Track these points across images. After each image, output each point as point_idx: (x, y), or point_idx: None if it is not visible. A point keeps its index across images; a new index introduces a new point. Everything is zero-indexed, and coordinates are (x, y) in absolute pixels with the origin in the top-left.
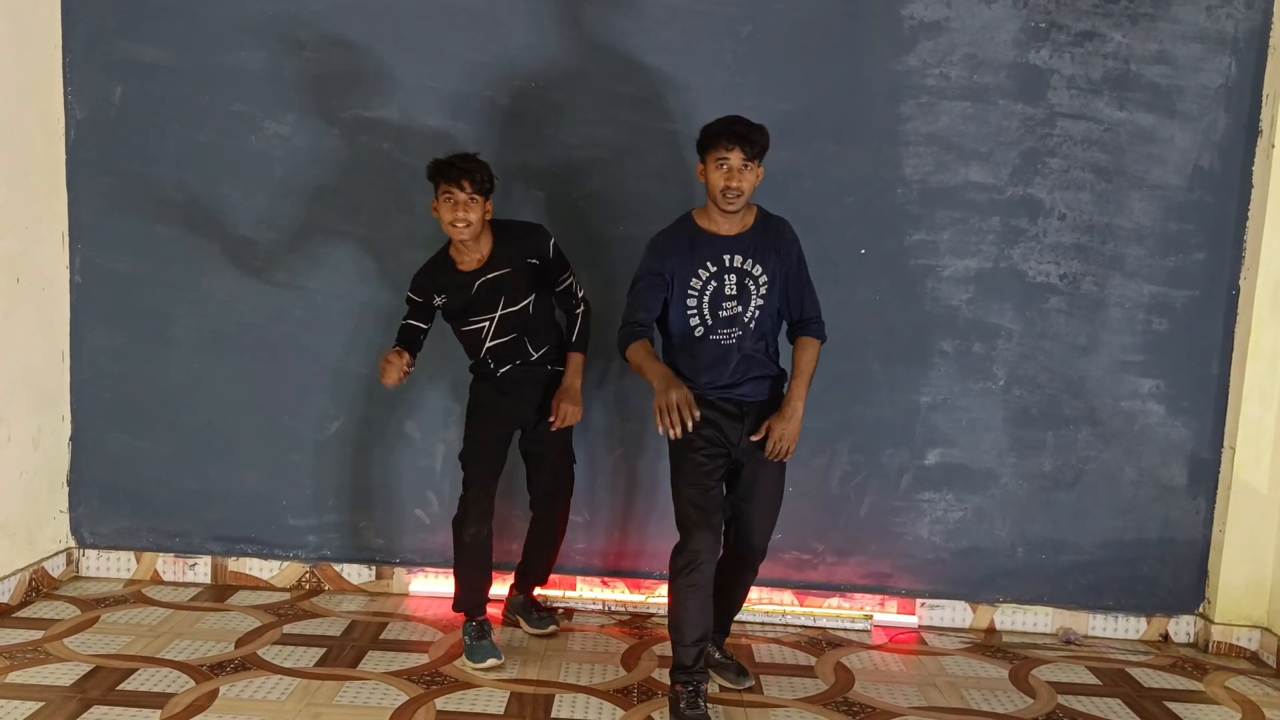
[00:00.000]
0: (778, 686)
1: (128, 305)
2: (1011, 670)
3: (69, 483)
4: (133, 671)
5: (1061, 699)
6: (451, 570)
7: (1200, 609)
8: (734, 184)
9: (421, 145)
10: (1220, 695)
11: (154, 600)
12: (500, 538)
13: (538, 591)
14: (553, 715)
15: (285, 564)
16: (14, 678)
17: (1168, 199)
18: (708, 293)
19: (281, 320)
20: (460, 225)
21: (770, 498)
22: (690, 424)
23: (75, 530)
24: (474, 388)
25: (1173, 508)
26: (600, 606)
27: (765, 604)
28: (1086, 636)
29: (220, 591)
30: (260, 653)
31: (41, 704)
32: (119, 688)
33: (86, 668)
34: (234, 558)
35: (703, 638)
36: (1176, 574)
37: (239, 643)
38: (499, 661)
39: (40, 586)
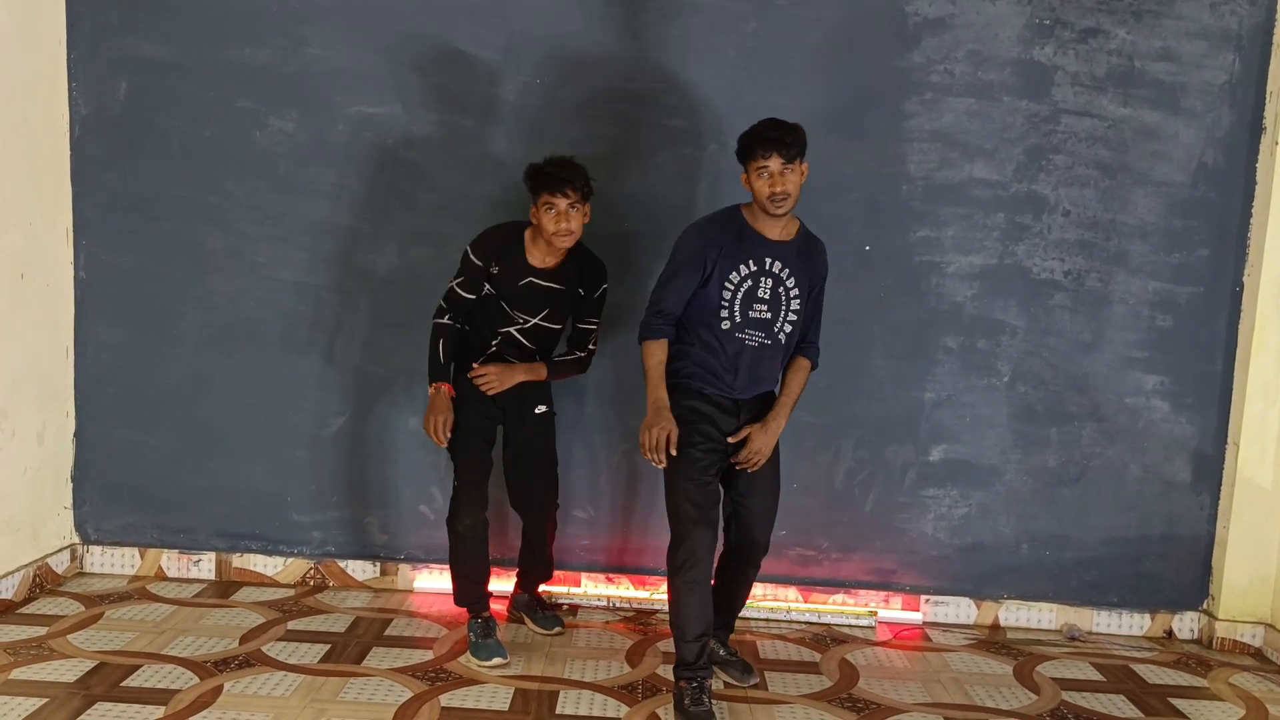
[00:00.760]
0: (782, 683)
1: (132, 301)
2: (1016, 667)
3: (73, 479)
4: (136, 668)
5: (1066, 695)
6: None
7: (1204, 605)
8: (779, 189)
9: (425, 141)
10: (1224, 692)
11: (158, 596)
12: (504, 534)
13: (543, 588)
14: (557, 711)
15: (289, 560)
16: (18, 674)
17: (1172, 196)
18: (743, 290)
19: (285, 316)
20: (564, 236)
21: (769, 491)
22: (670, 453)
23: (79, 526)
24: (458, 380)
25: (1177, 504)
26: (604, 603)
27: (769, 600)
28: (1090, 633)
29: (224, 588)
30: (264, 649)
31: (45, 700)
32: (123, 684)
33: (90, 664)
34: (238, 554)
35: (704, 633)
36: (1180, 570)
37: (243, 639)
38: (504, 661)
39: (44, 583)
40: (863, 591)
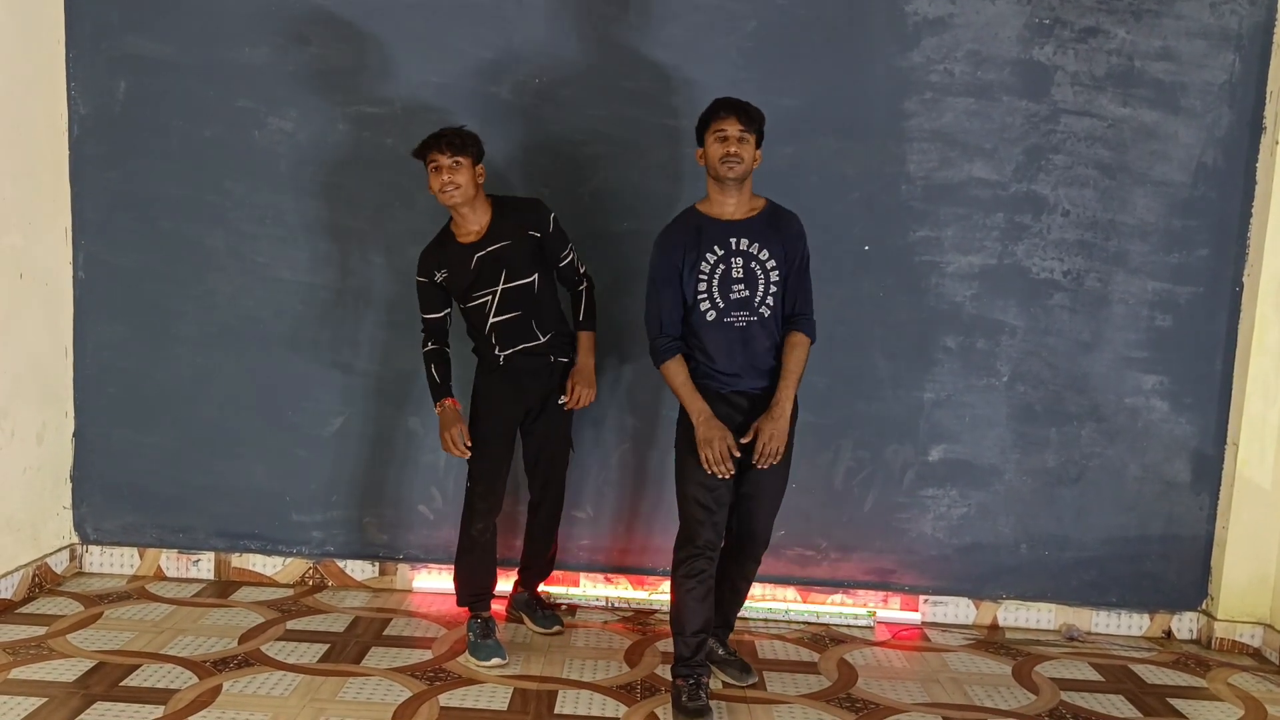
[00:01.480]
0: (780, 683)
1: (131, 300)
2: (1014, 667)
3: (72, 478)
4: (136, 668)
5: (1065, 695)
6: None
7: (1203, 605)
8: (732, 150)
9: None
10: (1223, 692)
11: (157, 596)
12: (502, 533)
13: (541, 588)
14: (556, 711)
15: (289, 560)
16: (17, 673)
17: (1171, 195)
18: (716, 276)
19: (285, 315)
20: (450, 189)
21: (775, 489)
22: (728, 468)
23: (79, 526)
24: (478, 381)
25: (1176, 504)
26: (603, 603)
27: (768, 600)
28: (1089, 633)
29: (223, 587)
30: (263, 649)
31: (45, 700)
32: (122, 684)
33: (89, 664)
34: (237, 554)
35: (703, 630)
36: (1180, 570)
37: (242, 639)
38: (503, 661)
39: (44, 582)
40: (861, 591)
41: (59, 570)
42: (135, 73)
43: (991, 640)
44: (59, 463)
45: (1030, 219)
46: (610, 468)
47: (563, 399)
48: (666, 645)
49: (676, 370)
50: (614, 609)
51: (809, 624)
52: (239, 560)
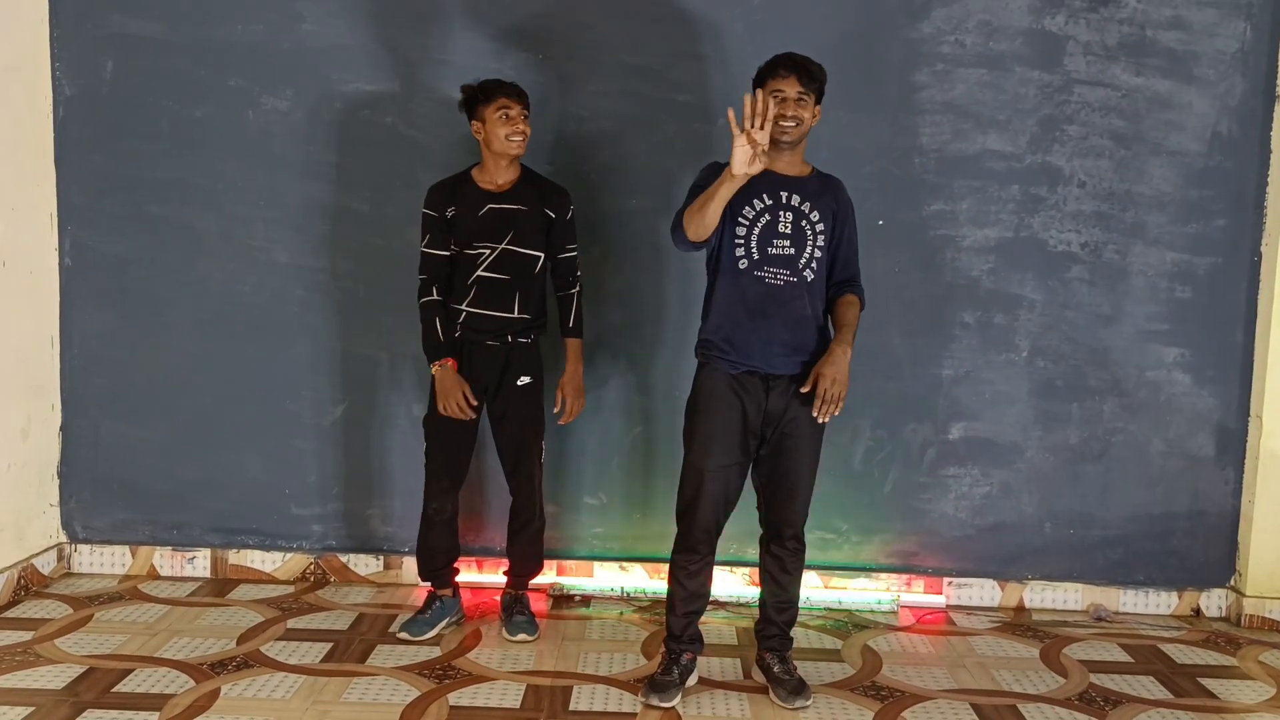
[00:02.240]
0: (803, 672)
1: (120, 288)
2: (1042, 649)
3: (60, 475)
4: (129, 672)
5: (1094, 678)
6: (467, 558)
7: (1232, 582)
8: (789, 113)
9: (426, 119)
10: (1254, 670)
11: (151, 596)
12: (492, 526)
13: (554, 578)
14: (571, 708)
15: (289, 555)
16: (3, 681)
17: (1187, 165)
18: (759, 225)
19: (282, 301)
20: (518, 139)
21: (804, 471)
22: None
23: (67, 525)
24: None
25: (1201, 479)
26: (618, 593)
27: None
28: (1117, 613)
29: (220, 586)
30: (263, 649)
31: (32, 709)
32: (114, 689)
33: (80, 669)
34: (235, 550)
35: (694, 611)
36: (1207, 547)
37: (241, 639)
38: (414, 638)
39: (30, 584)
40: (884, 575)
41: (46, 571)
42: (123, 51)
43: (1018, 622)
44: (45, 458)
45: (1046, 191)
46: (624, 452)
47: (523, 379)
48: None
49: (696, 200)
50: (629, 599)
51: (831, 610)
52: (236, 557)
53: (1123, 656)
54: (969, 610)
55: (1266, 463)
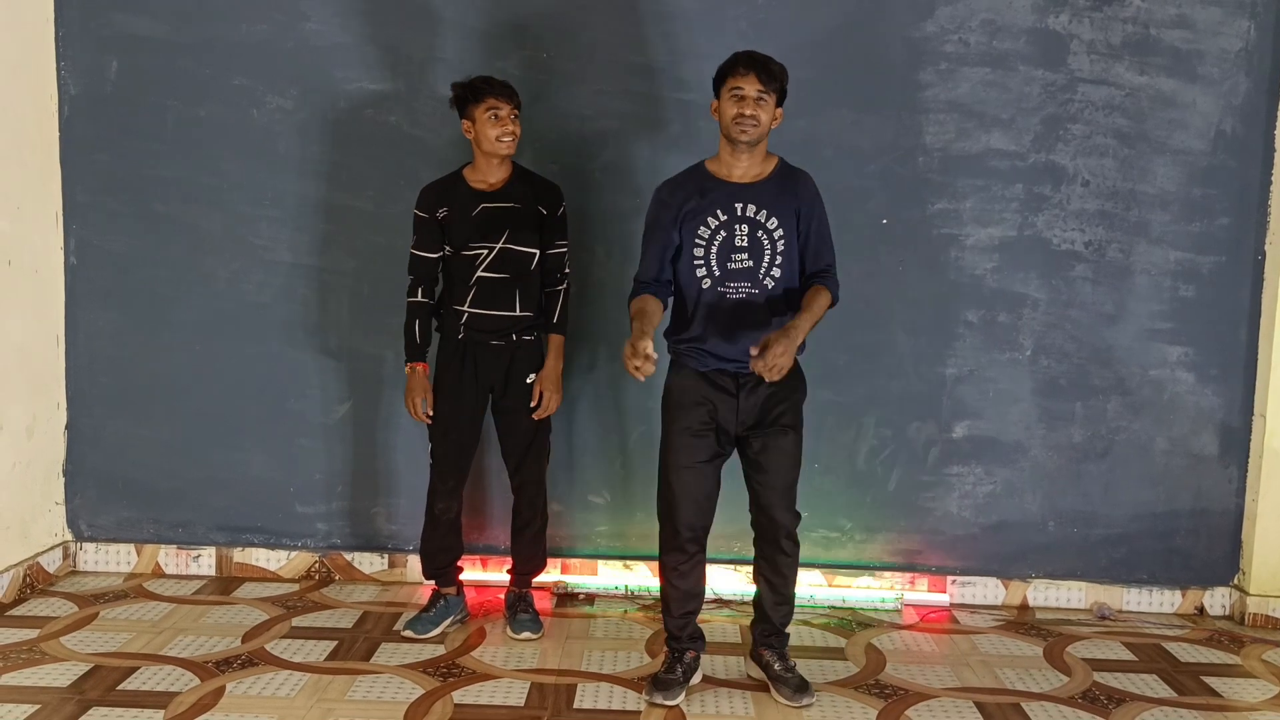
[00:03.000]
0: (807, 670)
1: (125, 287)
2: (1046, 648)
3: (65, 473)
4: (134, 670)
5: (1097, 676)
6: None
7: (1235, 580)
8: (748, 112)
9: (429, 118)
10: (1258, 669)
11: (155, 594)
12: (493, 525)
13: (558, 576)
14: (575, 706)
15: (293, 554)
16: (8, 679)
17: (1191, 164)
18: (716, 242)
19: (286, 300)
20: (508, 140)
21: (782, 467)
22: (640, 366)
23: (72, 523)
24: (440, 361)
25: (1205, 477)
26: (623, 591)
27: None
28: (1121, 611)
29: (225, 584)
30: (268, 647)
31: (38, 706)
32: (119, 687)
33: (85, 667)
34: (239, 548)
35: (690, 611)
36: (1210, 545)
37: (246, 637)
38: (418, 636)
39: (35, 583)
40: (888, 573)
41: (51, 569)
42: (127, 51)
43: (1022, 621)
44: (50, 457)
45: (1050, 189)
46: (627, 451)
47: (530, 377)
48: None
49: (635, 303)
50: (633, 597)
51: (835, 608)
52: (241, 555)
53: (1126, 655)
54: (973, 609)
55: (1270, 461)
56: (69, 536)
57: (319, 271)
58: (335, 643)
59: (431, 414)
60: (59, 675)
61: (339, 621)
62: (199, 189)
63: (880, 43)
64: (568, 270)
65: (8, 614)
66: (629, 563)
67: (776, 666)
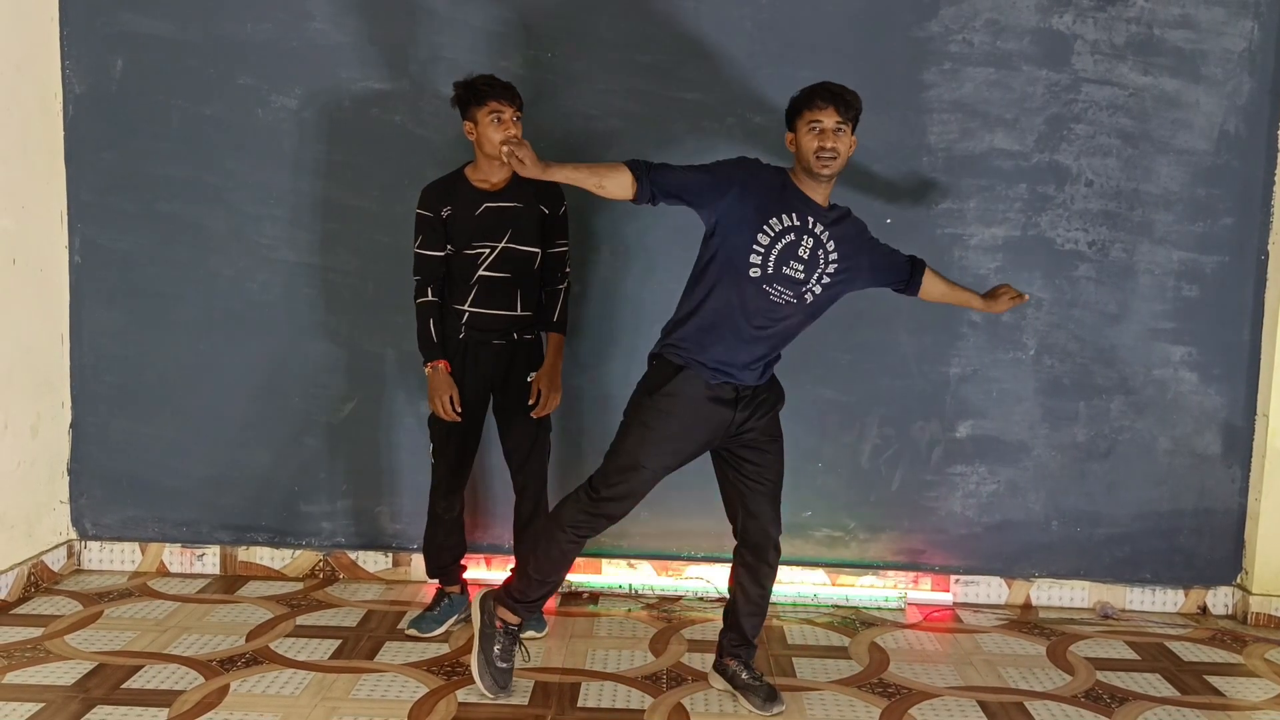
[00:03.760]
0: (810, 669)
1: (130, 285)
2: (1049, 647)
3: (69, 472)
4: (138, 669)
5: (1100, 675)
6: (475, 555)
7: (1238, 580)
8: (828, 145)
9: (434, 117)
10: (1260, 668)
11: (160, 593)
12: (496, 524)
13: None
14: (579, 704)
15: (298, 552)
16: (12, 678)
17: (1194, 164)
18: (782, 241)
19: (291, 299)
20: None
21: (778, 477)
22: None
23: (76, 521)
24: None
25: (1208, 477)
26: (626, 590)
27: (796, 584)
28: (1124, 610)
29: (230, 583)
30: (272, 646)
31: (42, 705)
32: (124, 686)
33: (89, 666)
34: (244, 547)
35: (558, 583)
36: (1213, 545)
37: (250, 636)
38: (422, 635)
39: (40, 581)
40: (891, 572)
41: (56, 568)
42: (132, 50)
43: (1025, 620)
44: (55, 455)
45: (1053, 189)
46: None
47: (531, 401)
48: (692, 633)
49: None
50: (637, 596)
51: (838, 607)
52: (245, 554)
53: (1129, 654)
54: (976, 608)
55: (1273, 461)
56: (73, 535)
57: (323, 270)
58: (339, 641)
59: (459, 410)
60: (63, 674)
61: (343, 620)
62: (204, 188)
63: (884, 43)
64: (568, 270)
65: (12, 612)
66: (633, 561)
67: (744, 676)
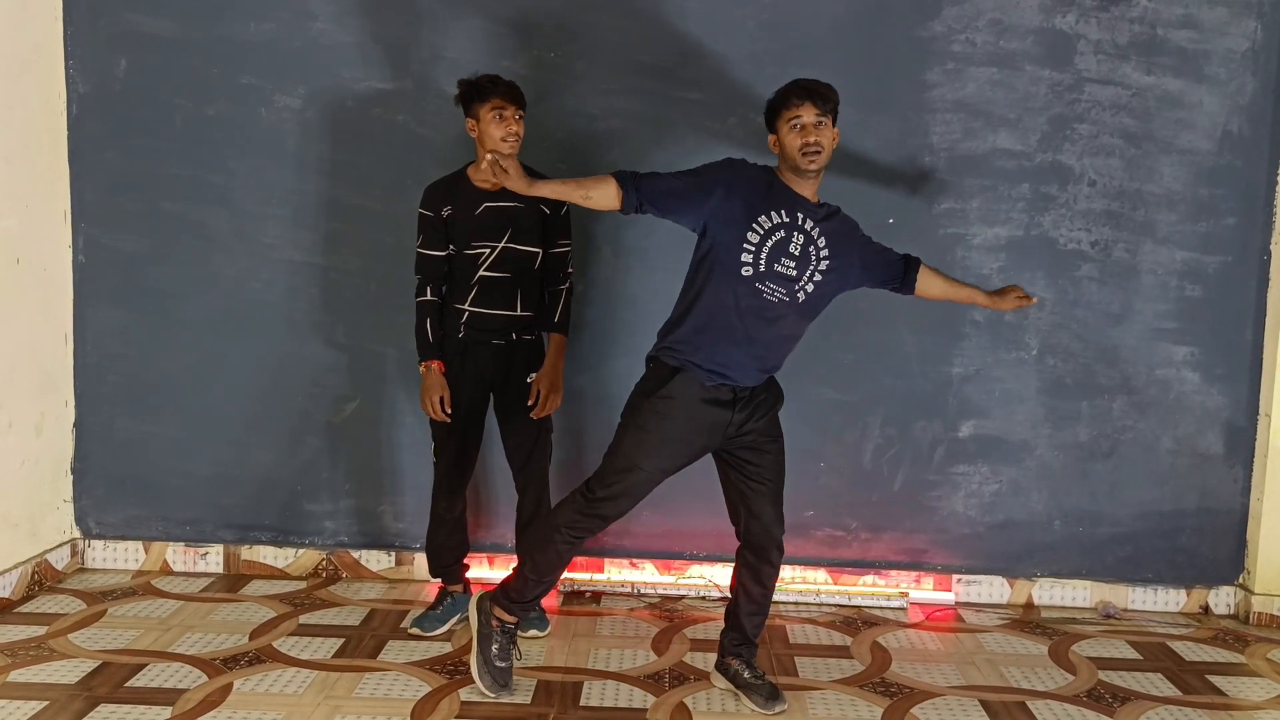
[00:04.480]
0: (813, 668)
1: (133, 285)
2: (1051, 646)
3: (73, 471)
4: (142, 667)
5: (1102, 675)
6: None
7: (1240, 579)
8: (811, 139)
9: (437, 117)
10: (1262, 668)
11: (163, 592)
12: (498, 524)
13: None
14: (582, 704)
15: (301, 551)
16: (16, 676)
17: (1197, 164)
18: (773, 239)
19: (294, 298)
20: (512, 140)
21: (779, 477)
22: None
23: (80, 520)
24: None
25: (1210, 477)
26: (629, 589)
27: (798, 583)
28: (1126, 610)
29: (233, 581)
30: (276, 644)
31: (45, 703)
32: (127, 684)
33: (93, 664)
34: (247, 546)
35: (553, 582)
36: (1215, 544)
37: (253, 634)
38: (425, 634)
39: (43, 580)
40: (893, 572)
41: (60, 567)
42: (136, 49)
43: (1027, 619)
44: (59, 454)
45: (1056, 189)
46: None
47: (530, 402)
48: (695, 632)
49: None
50: (640, 595)
51: (840, 607)
52: (249, 553)
53: (1131, 654)
54: (978, 607)
55: (1275, 461)
56: (77, 534)
57: (326, 270)
58: (342, 640)
59: (450, 411)
60: (67, 672)
61: (346, 619)
62: (207, 187)
63: (887, 42)
64: (571, 270)
65: (16, 611)
66: (636, 561)
67: (746, 675)
